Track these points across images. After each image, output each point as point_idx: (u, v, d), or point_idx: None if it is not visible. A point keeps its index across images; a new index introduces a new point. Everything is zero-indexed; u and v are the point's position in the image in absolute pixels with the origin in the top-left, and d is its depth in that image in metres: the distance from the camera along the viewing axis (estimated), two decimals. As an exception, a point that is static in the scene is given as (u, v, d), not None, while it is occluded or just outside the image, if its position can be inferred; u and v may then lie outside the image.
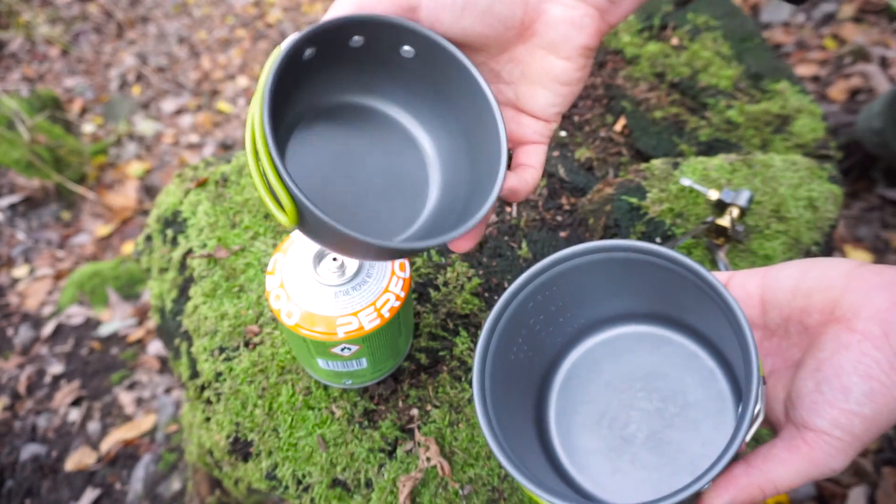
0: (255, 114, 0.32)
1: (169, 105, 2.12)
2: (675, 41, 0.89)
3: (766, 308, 0.36)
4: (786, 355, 0.36)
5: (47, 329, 1.44)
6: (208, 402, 0.58)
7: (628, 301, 0.42)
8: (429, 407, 0.55)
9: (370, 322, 0.46)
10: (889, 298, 0.31)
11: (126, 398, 1.29)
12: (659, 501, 0.29)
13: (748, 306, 0.37)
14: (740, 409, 0.31)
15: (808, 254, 0.65)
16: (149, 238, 0.74)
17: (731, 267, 0.62)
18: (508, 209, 0.69)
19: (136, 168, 1.89)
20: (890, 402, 0.30)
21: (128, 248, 1.65)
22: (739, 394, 0.38)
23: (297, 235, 0.50)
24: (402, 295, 0.47)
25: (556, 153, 0.76)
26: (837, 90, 1.45)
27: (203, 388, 0.59)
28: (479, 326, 0.59)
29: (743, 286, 0.37)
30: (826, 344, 0.32)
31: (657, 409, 0.40)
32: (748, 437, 0.30)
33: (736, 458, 0.31)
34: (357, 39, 0.37)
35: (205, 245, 0.66)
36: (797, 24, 1.65)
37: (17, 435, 1.25)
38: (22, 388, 1.33)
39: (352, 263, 0.47)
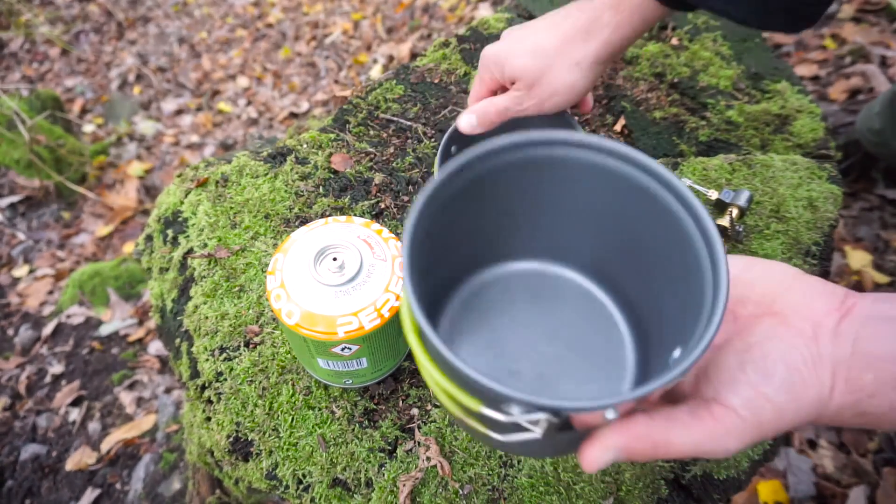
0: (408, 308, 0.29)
1: (169, 105, 2.12)
2: (675, 41, 0.89)
3: None
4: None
5: (47, 329, 1.44)
6: (209, 401, 0.58)
7: (571, 233, 0.38)
8: (429, 407, 0.55)
9: (370, 322, 0.46)
10: (828, 305, 0.31)
11: (126, 398, 1.29)
12: (571, 405, 0.26)
13: None
14: (679, 353, 0.29)
15: (807, 254, 0.65)
16: (149, 238, 0.74)
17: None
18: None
19: (136, 168, 1.89)
20: (802, 401, 0.30)
21: (128, 248, 1.65)
22: (644, 370, 0.37)
23: (298, 235, 0.50)
24: (403, 295, 0.47)
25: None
26: (837, 90, 1.46)
27: (203, 387, 0.59)
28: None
29: None
30: (758, 331, 0.32)
31: (555, 356, 0.37)
32: (674, 380, 0.27)
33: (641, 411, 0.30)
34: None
35: (205, 245, 0.67)
36: (797, 24, 1.65)
37: (17, 435, 1.25)
38: (22, 388, 1.33)
39: (352, 263, 0.47)
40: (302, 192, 0.71)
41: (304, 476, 0.52)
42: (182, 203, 0.71)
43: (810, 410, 0.30)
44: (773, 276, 0.33)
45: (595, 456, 0.30)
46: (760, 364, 0.30)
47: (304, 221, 0.67)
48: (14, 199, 1.78)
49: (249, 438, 0.54)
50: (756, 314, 0.33)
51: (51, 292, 1.55)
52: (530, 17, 0.95)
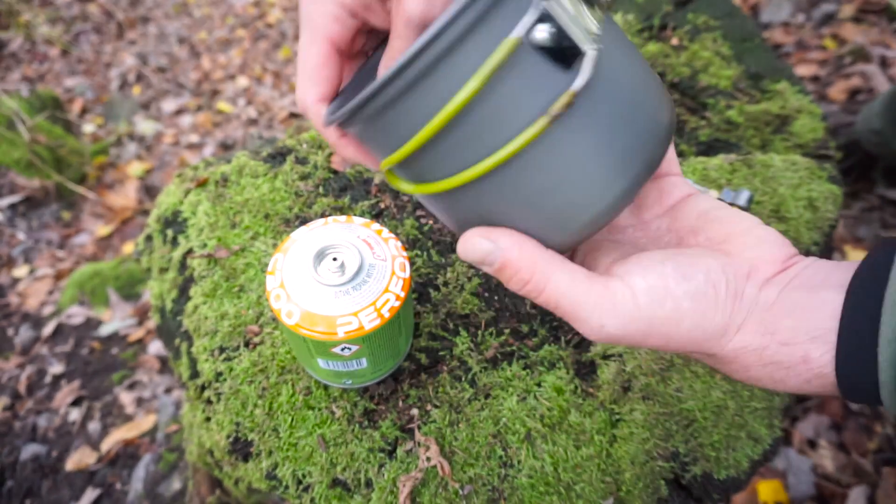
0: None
1: (169, 105, 2.12)
2: (675, 41, 0.89)
3: (669, 212, 0.34)
4: (636, 250, 0.33)
5: (48, 329, 1.44)
6: (208, 401, 0.58)
7: None
8: (429, 407, 0.55)
9: (370, 322, 0.46)
10: (773, 256, 0.30)
11: (126, 398, 1.29)
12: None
13: (659, 199, 0.34)
14: None
15: (807, 253, 0.65)
16: (149, 238, 0.74)
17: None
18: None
19: (136, 168, 1.89)
20: (704, 320, 0.28)
21: (128, 248, 1.65)
22: None
23: (298, 235, 0.50)
24: (402, 295, 0.47)
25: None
26: (837, 90, 1.46)
27: (203, 387, 0.59)
28: (479, 326, 0.59)
29: (676, 185, 0.35)
30: (696, 248, 0.31)
31: None
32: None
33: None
34: None
35: (205, 245, 0.67)
36: (797, 24, 1.65)
37: (17, 435, 1.25)
38: (22, 388, 1.33)
39: (352, 263, 0.47)
40: (302, 191, 0.71)
41: (303, 476, 0.52)
42: (182, 203, 0.71)
43: (708, 337, 0.28)
44: (736, 221, 0.32)
45: (473, 239, 0.29)
46: (683, 266, 0.29)
47: (304, 221, 0.67)
48: (14, 199, 1.78)
49: (249, 438, 0.54)
50: (703, 245, 0.31)
51: (51, 292, 1.55)
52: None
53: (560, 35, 0.24)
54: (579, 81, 0.24)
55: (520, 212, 0.28)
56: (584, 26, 0.24)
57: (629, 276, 0.29)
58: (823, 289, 0.27)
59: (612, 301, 0.28)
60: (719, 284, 0.28)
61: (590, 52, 0.25)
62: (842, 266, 0.29)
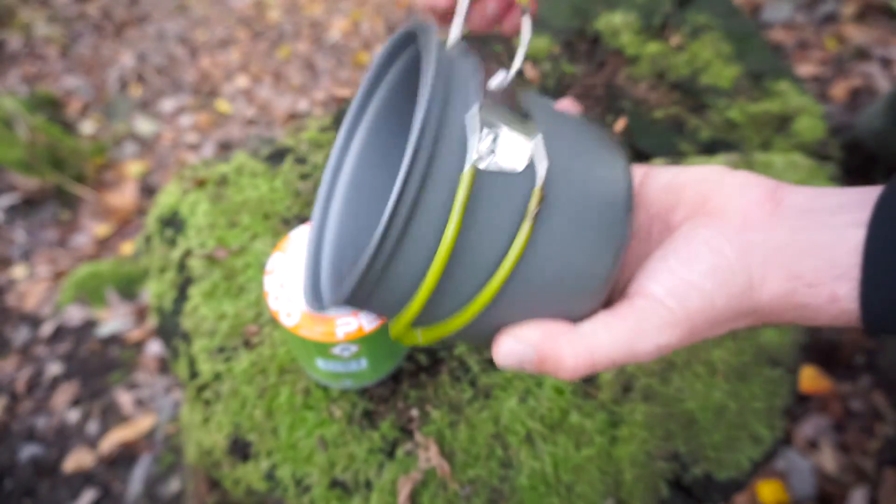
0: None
1: (168, 105, 2.12)
2: (675, 41, 0.89)
3: (636, 207, 0.33)
4: (640, 258, 0.32)
5: (46, 329, 1.44)
6: (207, 402, 0.58)
7: None
8: (429, 407, 0.55)
9: (370, 322, 0.46)
10: (758, 195, 0.29)
11: (125, 398, 1.29)
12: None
13: None
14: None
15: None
16: (148, 238, 0.74)
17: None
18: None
19: (135, 168, 1.88)
20: (731, 287, 0.27)
21: (127, 248, 1.64)
22: None
23: (297, 235, 0.50)
24: (402, 295, 0.47)
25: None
26: (838, 90, 1.45)
27: (202, 388, 0.59)
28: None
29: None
30: (685, 227, 0.30)
31: None
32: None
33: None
34: None
35: (204, 245, 0.66)
36: (798, 23, 1.65)
37: (15, 435, 1.25)
38: (20, 389, 1.33)
39: (351, 263, 0.47)
40: (301, 191, 0.70)
41: (303, 477, 0.52)
42: (181, 203, 0.71)
43: (742, 300, 0.28)
44: (704, 177, 0.31)
45: (503, 345, 0.28)
46: (683, 251, 0.28)
47: (304, 221, 0.67)
48: (13, 199, 1.78)
49: (248, 439, 0.54)
50: (687, 216, 0.31)
51: (49, 292, 1.55)
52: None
53: (504, 147, 0.26)
54: (541, 171, 0.26)
55: (537, 306, 0.28)
56: (521, 128, 0.26)
57: (645, 288, 0.28)
58: (840, 225, 0.27)
59: (649, 321, 0.27)
60: (724, 248, 0.28)
61: (535, 142, 0.26)
62: (847, 194, 0.28)
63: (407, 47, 0.33)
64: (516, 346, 0.28)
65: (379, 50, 0.36)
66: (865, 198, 0.27)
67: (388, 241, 0.25)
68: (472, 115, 0.25)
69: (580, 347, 0.27)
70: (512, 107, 0.27)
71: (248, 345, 0.59)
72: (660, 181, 0.32)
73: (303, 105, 2.02)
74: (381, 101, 0.36)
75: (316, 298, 0.33)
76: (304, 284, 0.34)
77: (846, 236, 0.27)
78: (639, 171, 0.34)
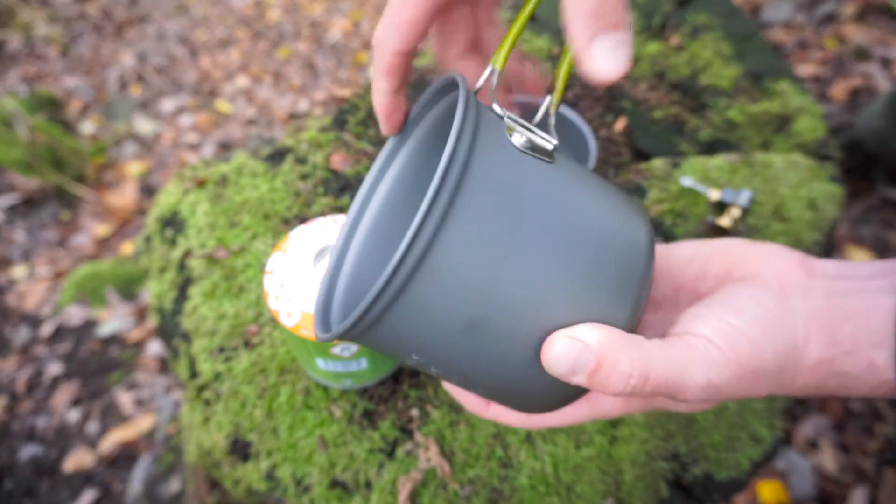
0: None
1: (168, 105, 2.12)
2: (675, 41, 0.89)
3: (659, 278, 0.33)
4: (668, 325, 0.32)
5: (46, 329, 1.44)
6: (207, 402, 0.58)
7: None
8: (429, 407, 0.55)
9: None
10: (789, 264, 0.29)
11: (125, 398, 1.29)
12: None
13: None
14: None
15: (808, 254, 0.65)
16: (148, 238, 0.74)
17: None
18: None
19: (135, 168, 1.88)
20: (777, 342, 0.27)
21: (127, 248, 1.64)
22: None
23: (296, 235, 0.50)
24: (402, 295, 0.47)
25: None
26: (838, 90, 1.45)
27: (202, 388, 0.59)
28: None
29: None
30: (724, 287, 0.29)
31: None
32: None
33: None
34: None
35: (204, 245, 0.66)
36: (798, 23, 1.65)
37: (15, 435, 1.25)
38: (21, 389, 1.33)
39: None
40: (301, 191, 0.70)
41: (303, 477, 0.52)
42: (181, 203, 0.71)
43: (788, 357, 0.27)
44: (729, 249, 0.31)
45: (562, 345, 0.25)
46: (727, 302, 0.28)
47: (304, 221, 0.67)
48: (13, 199, 1.78)
49: (248, 439, 0.54)
50: (717, 286, 0.30)
51: (49, 292, 1.55)
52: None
53: (529, 138, 0.28)
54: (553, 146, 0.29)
55: (585, 300, 0.27)
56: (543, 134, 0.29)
57: (693, 328, 0.27)
58: (873, 290, 0.27)
59: (701, 355, 0.26)
60: (768, 304, 0.27)
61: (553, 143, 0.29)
62: (877, 263, 0.28)
63: (445, 95, 0.34)
64: (573, 345, 0.25)
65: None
66: (890, 264, 0.27)
67: (399, 275, 0.24)
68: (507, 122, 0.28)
69: (638, 358, 0.25)
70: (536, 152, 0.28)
71: (248, 345, 0.59)
72: (683, 254, 0.33)
73: (303, 105, 2.02)
74: (417, 144, 0.36)
75: (324, 327, 0.32)
76: (315, 311, 0.33)
77: (880, 302, 0.26)
78: (658, 249, 0.34)
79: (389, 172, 0.37)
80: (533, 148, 0.28)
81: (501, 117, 0.28)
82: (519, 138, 0.27)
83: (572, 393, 0.29)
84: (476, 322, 0.26)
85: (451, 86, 0.32)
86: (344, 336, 0.27)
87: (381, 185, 0.37)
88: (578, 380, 0.25)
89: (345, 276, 0.36)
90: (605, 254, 0.27)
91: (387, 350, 0.29)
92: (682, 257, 0.33)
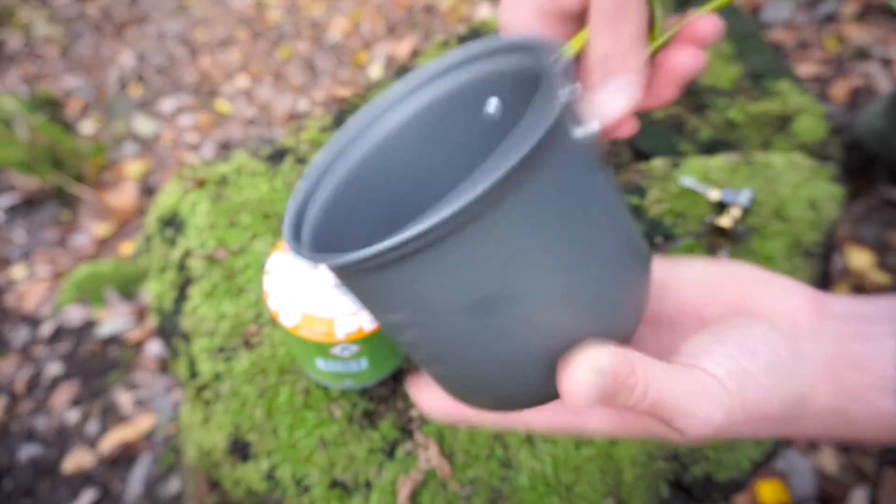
0: None
1: (168, 105, 2.12)
2: (675, 41, 0.89)
3: (660, 294, 0.32)
4: (666, 348, 0.31)
5: (46, 329, 1.44)
6: (207, 402, 0.58)
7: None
8: (429, 407, 0.55)
9: (370, 323, 0.45)
10: (800, 303, 0.29)
11: (125, 399, 1.29)
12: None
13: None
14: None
15: (808, 254, 0.65)
16: (148, 238, 0.74)
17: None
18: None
19: (135, 168, 1.88)
20: (785, 392, 0.26)
21: (127, 248, 1.64)
22: None
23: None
24: (402, 295, 0.47)
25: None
26: (838, 90, 1.45)
27: (202, 388, 0.58)
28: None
29: None
30: (732, 321, 0.29)
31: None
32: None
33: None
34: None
35: (204, 245, 0.66)
36: (798, 23, 1.65)
37: (15, 436, 1.25)
38: (20, 389, 1.33)
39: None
40: (301, 191, 0.70)
41: (303, 477, 0.52)
42: (180, 203, 0.71)
43: (795, 406, 0.27)
44: (740, 277, 0.31)
45: (581, 376, 0.24)
46: (742, 343, 0.27)
47: (304, 221, 0.67)
48: (13, 199, 1.78)
49: (248, 439, 0.54)
50: (724, 314, 0.30)
51: (49, 292, 1.55)
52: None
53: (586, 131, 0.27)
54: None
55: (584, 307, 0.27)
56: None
57: (702, 363, 0.26)
58: (879, 336, 0.27)
59: (707, 391, 0.25)
60: (780, 350, 0.27)
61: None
62: (881, 303, 0.28)
63: (505, 54, 0.31)
64: (592, 377, 0.24)
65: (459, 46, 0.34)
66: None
67: (444, 226, 0.22)
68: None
69: (642, 374, 0.24)
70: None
71: (248, 345, 0.59)
72: (689, 274, 0.32)
73: (303, 105, 2.02)
74: (457, 88, 0.33)
75: (294, 234, 0.30)
76: (286, 216, 0.31)
77: (884, 346, 0.26)
78: (663, 263, 0.33)
79: (400, 110, 0.34)
80: (584, 140, 0.27)
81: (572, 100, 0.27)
82: (582, 130, 0.27)
83: (554, 394, 0.28)
84: (489, 300, 0.25)
85: (519, 48, 0.29)
86: (350, 266, 0.25)
87: (387, 118, 0.34)
88: (598, 390, 0.25)
89: (323, 192, 0.33)
90: (622, 264, 0.27)
91: (368, 294, 0.28)
92: (689, 278, 0.32)
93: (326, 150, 0.33)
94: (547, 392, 0.28)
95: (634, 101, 0.28)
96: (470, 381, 0.29)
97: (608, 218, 0.27)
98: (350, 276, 0.27)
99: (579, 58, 0.30)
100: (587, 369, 0.24)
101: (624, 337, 0.28)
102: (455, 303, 0.25)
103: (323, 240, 0.31)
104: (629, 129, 0.32)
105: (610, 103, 0.29)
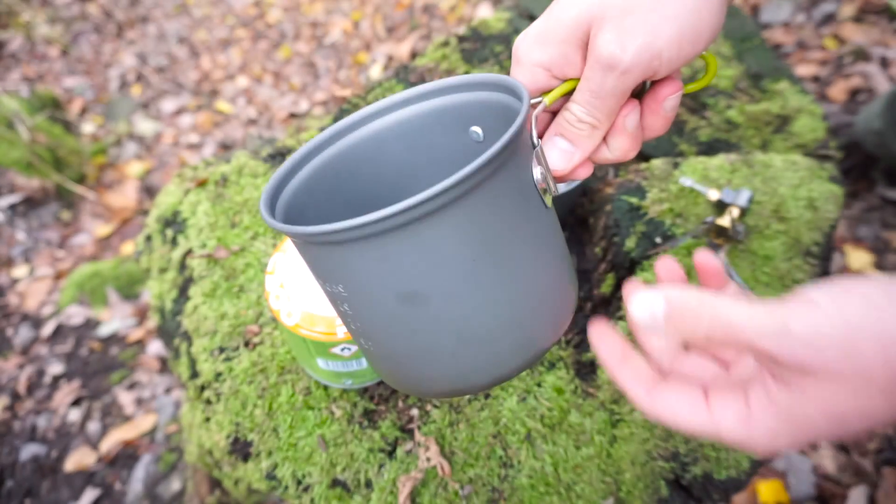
0: None
1: (169, 105, 2.12)
2: (675, 41, 0.89)
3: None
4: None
5: (47, 329, 1.44)
6: (208, 402, 0.58)
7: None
8: (429, 407, 0.55)
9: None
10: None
11: (126, 398, 1.29)
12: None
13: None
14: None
15: (808, 254, 0.65)
16: (149, 238, 0.74)
17: (733, 267, 0.62)
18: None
19: (135, 168, 1.89)
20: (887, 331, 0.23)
21: (128, 248, 1.64)
22: None
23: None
24: (402, 295, 0.47)
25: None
26: (837, 90, 1.45)
27: (203, 388, 0.59)
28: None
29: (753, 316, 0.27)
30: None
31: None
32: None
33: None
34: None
35: (204, 245, 0.66)
36: (797, 23, 1.65)
37: (16, 435, 1.25)
38: (22, 389, 1.33)
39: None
40: (301, 192, 0.70)
41: (303, 476, 0.52)
42: (181, 203, 0.71)
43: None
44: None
45: (643, 299, 0.28)
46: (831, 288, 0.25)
47: (304, 221, 0.67)
48: (14, 199, 1.78)
49: (249, 439, 0.54)
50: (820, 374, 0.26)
51: (50, 292, 1.55)
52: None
53: (544, 176, 0.32)
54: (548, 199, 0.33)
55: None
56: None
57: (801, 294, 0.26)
58: None
59: (791, 310, 0.25)
60: (880, 302, 0.24)
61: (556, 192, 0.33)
62: None
63: (488, 90, 0.36)
64: (652, 298, 0.28)
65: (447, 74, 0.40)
66: None
67: (409, 213, 0.26)
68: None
69: (710, 306, 0.27)
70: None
71: (248, 345, 0.59)
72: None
73: (303, 105, 2.02)
74: (442, 106, 0.38)
75: (269, 204, 0.34)
76: (266, 188, 0.35)
77: None
78: (772, 317, 0.27)
79: (388, 117, 0.38)
80: (542, 185, 0.32)
81: (534, 146, 0.32)
82: (537, 172, 0.31)
83: (461, 391, 0.33)
84: (410, 295, 0.29)
85: (500, 86, 0.34)
86: (301, 237, 0.30)
87: (373, 122, 0.38)
88: (655, 328, 0.28)
89: (304, 174, 0.37)
90: (542, 293, 0.32)
91: (315, 264, 0.32)
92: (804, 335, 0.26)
93: (312, 141, 0.37)
94: (454, 387, 0.33)
95: (570, 169, 0.34)
96: (389, 361, 0.33)
97: (535, 252, 0.32)
98: (302, 247, 0.33)
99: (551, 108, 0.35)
100: (650, 293, 0.28)
101: (539, 350, 0.33)
102: (380, 290, 0.30)
103: (293, 213, 0.36)
104: (584, 174, 0.35)
105: (552, 157, 0.34)
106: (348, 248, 0.29)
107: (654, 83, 0.34)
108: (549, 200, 0.33)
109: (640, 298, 0.29)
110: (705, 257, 0.34)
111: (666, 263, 0.34)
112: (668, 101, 0.34)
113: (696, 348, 0.33)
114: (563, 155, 0.34)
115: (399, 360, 0.33)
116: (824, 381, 0.24)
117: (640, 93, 0.35)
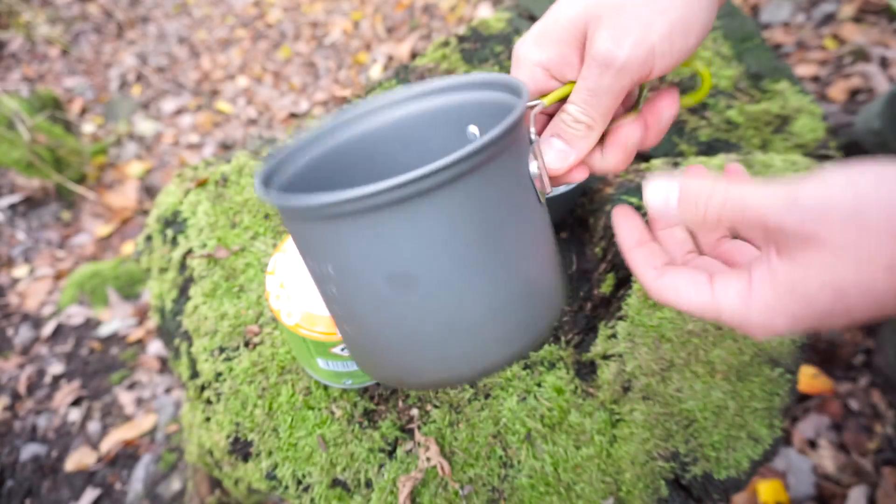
0: None
1: (169, 105, 2.12)
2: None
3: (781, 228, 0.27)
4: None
5: (47, 329, 1.44)
6: (208, 402, 0.58)
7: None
8: (429, 407, 0.55)
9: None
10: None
11: (126, 398, 1.29)
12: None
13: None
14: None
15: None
16: (149, 238, 0.74)
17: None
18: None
19: (136, 168, 1.89)
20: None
21: (128, 248, 1.65)
22: None
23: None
24: (402, 295, 0.47)
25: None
26: (837, 90, 1.45)
27: (203, 388, 0.59)
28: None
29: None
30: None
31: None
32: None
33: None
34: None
35: (205, 245, 0.66)
36: (797, 24, 1.65)
37: (17, 435, 1.25)
38: (22, 388, 1.33)
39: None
40: (302, 192, 0.71)
41: (303, 476, 0.52)
42: (181, 203, 0.71)
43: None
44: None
45: (658, 185, 0.29)
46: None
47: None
48: (14, 199, 1.78)
49: (249, 439, 0.54)
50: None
51: (50, 292, 1.55)
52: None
53: (539, 172, 0.33)
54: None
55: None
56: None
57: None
58: None
59: (804, 184, 0.25)
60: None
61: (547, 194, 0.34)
62: None
63: (490, 90, 0.36)
64: (667, 185, 0.29)
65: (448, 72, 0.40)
66: None
67: (401, 190, 0.26)
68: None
69: (727, 192, 0.27)
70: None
71: (248, 345, 0.59)
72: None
73: (303, 105, 2.03)
74: (439, 105, 0.39)
75: (264, 183, 0.34)
76: (263, 165, 0.35)
77: None
78: (781, 191, 0.28)
79: (385, 115, 0.39)
80: (538, 181, 0.32)
81: (532, 142, 0.32)
82: (533, 167, 0.32)
83: (447, 381, 0.33)
84: (400, 277, 0.29)
85: (498, 85, 0.35)
86: (292, 210, 0.29)
87: (370, 119, 0.39)
88: (670, 209, 0.30)
89: (302, 157, 0.38)
90: (529, 283, 0.32)
91: (304, 240, 0.32)
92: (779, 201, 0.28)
93: (310, 132, 0.38)
94: (439, 377, 0.33)
95: (567, 168, 0.35)
96: (373, 349, 0.33)
97: (526, 244, 0.32)
98: (295, 223, 0.32)
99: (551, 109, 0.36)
100: (664, 180, 0.29)
101: (525, 345, 0.33)
102: (370, 270, 0.29)
103: (290, 191, 0.36)
104: (579, 177, 0.36)
105: (549, 157, 0.35)
106: (342, 222, 0.28)
107: (651, 97, 0.35)
108: (542, 199, 0.33)
109: (655, 185, 0.30)
110: (735, 166, 0.35)
111: (693, 168, 0.34)
112: (664, 115, 0.35)
113: (707, 245, 0.35)
114: (559, 155, 0.35)
115: (383, 347, 0.32)
116: (828, 253, 0.25)
117: (635, 107, 0.36)
